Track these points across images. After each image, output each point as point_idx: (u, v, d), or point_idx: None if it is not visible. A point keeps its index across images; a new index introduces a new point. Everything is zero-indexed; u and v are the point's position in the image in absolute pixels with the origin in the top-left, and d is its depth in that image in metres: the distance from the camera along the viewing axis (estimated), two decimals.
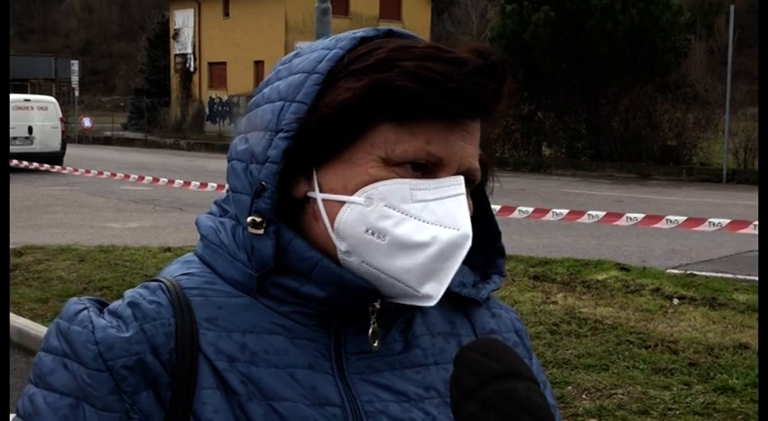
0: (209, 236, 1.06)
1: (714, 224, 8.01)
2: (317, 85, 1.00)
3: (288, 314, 1.02)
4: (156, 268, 8.81)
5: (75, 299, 1.02)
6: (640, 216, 8.36)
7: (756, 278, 8.63)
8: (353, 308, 1.01)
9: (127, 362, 0.96)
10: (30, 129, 22.80)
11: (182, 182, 13.16)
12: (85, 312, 0.99)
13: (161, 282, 1.04)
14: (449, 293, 1.04)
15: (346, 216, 0.98)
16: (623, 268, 8.84)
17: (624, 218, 8.45)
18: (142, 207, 15.74)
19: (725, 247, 10.94)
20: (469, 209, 1.02)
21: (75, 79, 41.80)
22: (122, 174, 14.77)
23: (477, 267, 1.16)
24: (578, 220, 9.22)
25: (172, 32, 48.12)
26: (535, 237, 11.66)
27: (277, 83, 1.04)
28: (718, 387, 5.43)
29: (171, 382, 0.96)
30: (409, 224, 0.96)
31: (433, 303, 0.99)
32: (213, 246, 1.05)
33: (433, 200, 0.97)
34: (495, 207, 9.71)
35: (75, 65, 42.15)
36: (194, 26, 46.53)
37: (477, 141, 1.03)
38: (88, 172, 15.24)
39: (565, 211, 9.01)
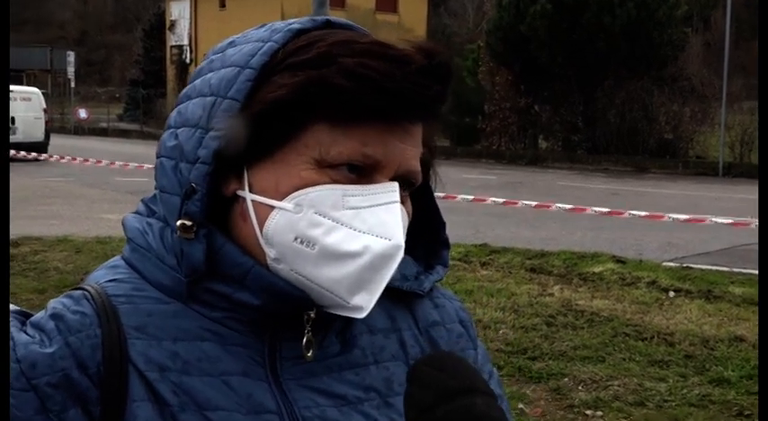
0: (137, 239, 1.01)
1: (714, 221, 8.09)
2: (249, 80, 0.94)
3: (220, 320, 0.97)
4: None
5: None
6: (642, 213, 8.45)
7: (752, 271, 8.69)
8: (288, 315, 0.97)
9: (51, 380, 0.90)
10: (12, 120, 23.12)
11: None
12: None
13: (86, 290, 0.98)
14: (389, 287, 0.98)
15: (275, 222, 0.93)
16: (619, 261, 8.87)
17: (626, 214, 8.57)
18: (138, 198, 15.64)
19: (721, 240, 10.96)
20: (408, 213, 0.98)
21: (71, 70, 41.69)
22: (121, 163, 14.76)
23: (421, 258, 1.11)
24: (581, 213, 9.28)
25: (168, 24, 48.01)
26: (532, 230, 11.68)
27: (209, 75, 0.99)
28: (713, 379, 5.46)
29: (100, 397, 0.92)
30: (340, 233, 0.92)
31: (363, 315, 0.94)
32: (141, 249, 1.00)
33: (366, 207, 0.92)
34: (498, 199, 9.79)
35: (71, 56, 42.05)
36: (190, 17, 46.42)
37: (419, 142, 0.98)
38: (86, 160, 15.22)
39: (568, 206, 9.08)
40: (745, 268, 9.08)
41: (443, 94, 0.93)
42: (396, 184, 0.95)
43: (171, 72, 47.19)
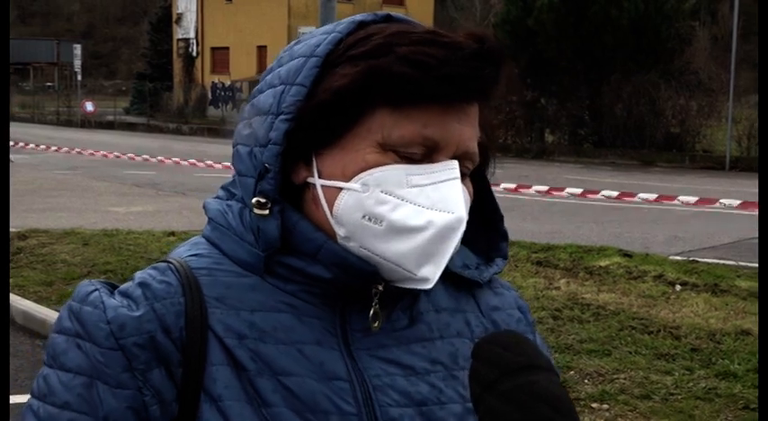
0: (217, 218, 1.08)
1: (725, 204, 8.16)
2: (315, 67, 1.01)
3: (294, 293, 1.03)
4: (160, 252, 8.83)
5: (86, 281, 1.03)
6: (653, 196, 8.47)
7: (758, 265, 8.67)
8: (357, 288, 1.03)
9: (138, 341, 0.97)
10: None
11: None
12: (96, 293, 1.00)
13: (170, 262, 1.05)
14: (452, 275, 1.07)
15: (344, 202, 1.00)
16: (626, 254, 8.86)
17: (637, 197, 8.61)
18: (145, 191, 15.76)
19: (727, 234, 10.95)
20: (469, 192, 1.04)
21: (77, 63, 41.70)
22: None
23: (481, 251, 1.17)
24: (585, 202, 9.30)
25: (174, 17, 47.99)
26: (538, 224, 11.67)
27: (279, 69, 1.06)
28: (719, 372, 5.46)
29: (182, 360, 0.98)
30: (405, 209, 0.98)
31: (429, 286, 1.00)
32: (221, 227, 1.07)
33: (428, 184, 0.98)
34: (510, 185, 9.86)
35: (77, 49, 42.03)
36: (197, 10, 46.40)
37: (476, 123, 1.03)
38: (95, 153, 15.24)
39: (579, 190, 9.11)
40: (751, 262, 9.06)
41: (497, 76, 1.00)
42: (455, 162, 1.01)
43: (177, 65, 47.18)
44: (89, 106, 39.58)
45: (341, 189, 1.00)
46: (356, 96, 0.99)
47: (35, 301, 7.34)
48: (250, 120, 1.06)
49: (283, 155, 1.01)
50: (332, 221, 1.01)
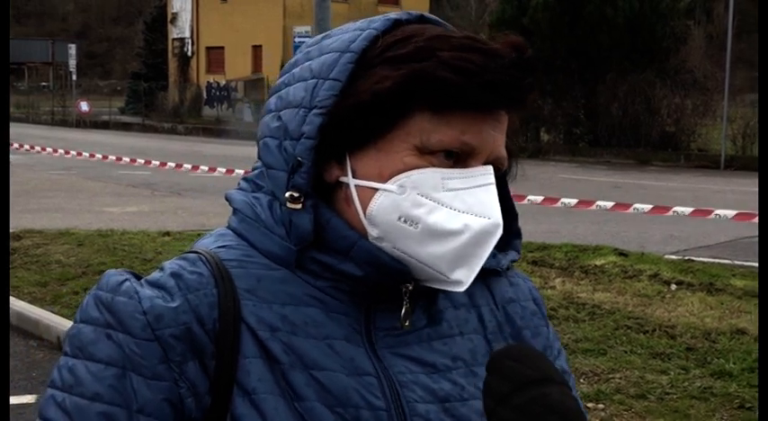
0: (245, 210, 1.07)
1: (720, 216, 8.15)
2: (350, 63, 1.01)
3: (323, 288, 1.04)
4: (155, 252, 8.82)
5: (112, 271, 1.03)
6: (648, 207, 8.47)
7: (754, 264, 8.67)
8: (387, 287, 1.04)
9: (174, 332, 0.97)
10: None
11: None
12: (128, 283, 0.99)
13: (199, 253, 1.04)
14: None
15: (379, 203, 1.00)
16: (622, 253, 8.86)
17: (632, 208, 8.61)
18: (140, 191, 15.73)
19: (723, 233, 10.96)
20: None
21: (72, 63, 41.62)
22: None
23: (495, 247, 1.17)
24: (588, 209, 9.30)
25: (169, 16, 47.90)
26: (534, 223, 11.66)
27: (308, 63, 1.05)
28: (715, 371, 5.46)
29: (215, 352, 0.98)
30: (441, 212, 0.99)
31: (462, 289, 1.01)
32: (249, 219, 1.06)
33: (464, 189, 1.00)
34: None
35: (72, 49, 41.96)
36: (192, 10, 46.32)
37: (505, 130, 1.06)
38: (92, 155, 15.20)
39: (574, 201, 9.12)
40: (746, 261, 9.08)
41: (533, 85, 1.01)
42: (490, 168, 1.02)
43: (172, 65, 47.08)
44: (84, 106, 39.51)
45: (375, 190, 1.00)
46: (398, 99, 0.99)
47: (29, 302, 7.32)
48: (279, 112, 1.05)
49: (315, 150, 1.01)
50: (364, 221, 1.01)
